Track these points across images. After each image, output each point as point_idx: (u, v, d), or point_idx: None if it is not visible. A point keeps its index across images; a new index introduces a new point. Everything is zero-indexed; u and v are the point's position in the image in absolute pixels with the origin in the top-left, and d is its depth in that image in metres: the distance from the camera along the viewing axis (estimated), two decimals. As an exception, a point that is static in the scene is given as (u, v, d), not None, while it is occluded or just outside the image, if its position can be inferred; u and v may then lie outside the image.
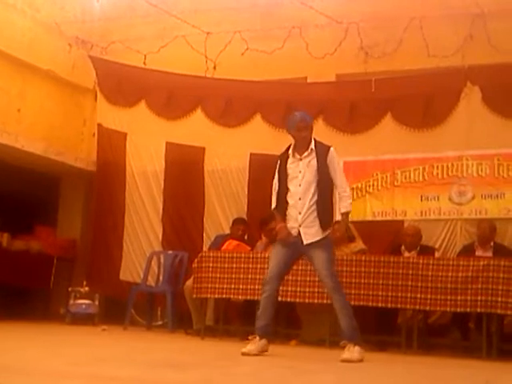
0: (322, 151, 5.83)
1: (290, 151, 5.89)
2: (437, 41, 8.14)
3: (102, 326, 8.07)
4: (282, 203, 5.83)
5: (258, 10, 8.96)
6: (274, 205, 5.92)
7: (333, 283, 5.75)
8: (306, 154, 5.83)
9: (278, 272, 5.90)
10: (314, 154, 5.82)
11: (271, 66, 8.79)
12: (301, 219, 5.76)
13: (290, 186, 5.80)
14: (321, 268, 5.77)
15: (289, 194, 5.80)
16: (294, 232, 5.78)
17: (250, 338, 5.88)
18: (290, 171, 5.81)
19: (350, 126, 8.36)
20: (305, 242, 5.76)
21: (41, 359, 4.96)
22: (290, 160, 5.85)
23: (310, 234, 5.75)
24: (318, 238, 5.74)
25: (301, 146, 5.86)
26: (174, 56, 9.12)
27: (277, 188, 5.88)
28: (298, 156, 5.85)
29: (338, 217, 6.13)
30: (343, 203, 5.84)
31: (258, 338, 5.82)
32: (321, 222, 5.74)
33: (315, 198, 5.75)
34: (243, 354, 5.68)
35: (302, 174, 5.79)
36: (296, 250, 5.85)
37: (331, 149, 5.88)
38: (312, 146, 5.86)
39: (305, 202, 5.75)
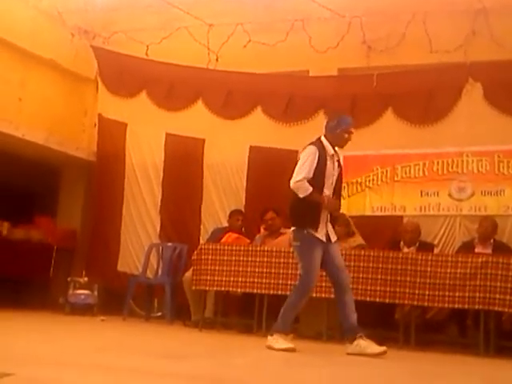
0: (340, 161, 5.97)
1: (328, 149, 5.84)
2: (439, 36, 8.13)
3: (100, 316, 8.08)
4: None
5: (261, 2, 8.92)
6: (310, 189, 5.71)
7: (349, 277, 5.95)
8: (336, 157, 5.90)
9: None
10: (337, 161, 5.90)
11: (273, 59, 8.78)
12: (329, 217, 5.85)
13: (326, 185, 5.80)
14: (342, 262, 5.91)
15: (324, 194, 5.78)
16: (324, 229, 5.79)
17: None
18: (327, 170, 5.79)
19: (351, 120, 8.34)
20: (333, 240, 5.85)
21: (39, 348, 4.98)
22: (328, 158, 5.82)
23: (333, 231, 5.89)
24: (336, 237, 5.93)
25: (334, 148, 5.88)
26: (177, 47, 9.11)
27: (309, 177, 5.73)
28: (334, 157, 5.87)
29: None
30: None
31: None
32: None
33: None
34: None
35: (334, 178, 5.86)
36: (322, 248, 5.83)
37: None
38: (339, 151, 5.95)
39: None
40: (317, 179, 5.74)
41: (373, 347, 5.64)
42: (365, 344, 5.66)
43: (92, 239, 9.42)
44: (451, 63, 8.05)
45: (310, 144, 5.87)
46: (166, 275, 8.59)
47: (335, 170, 5.86)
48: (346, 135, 5.89)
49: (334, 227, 5.94)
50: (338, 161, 5.92)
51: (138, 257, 9.02)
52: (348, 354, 5.69)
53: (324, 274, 6.85)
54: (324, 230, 5.79)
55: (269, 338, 5.81)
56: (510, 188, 7.62)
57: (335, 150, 5.90)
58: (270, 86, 8.82)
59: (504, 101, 7.77)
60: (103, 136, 9.55)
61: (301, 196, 5.74)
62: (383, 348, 5.63)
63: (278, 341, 5.72)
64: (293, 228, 5.91)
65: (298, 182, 5.75)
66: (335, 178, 5.87)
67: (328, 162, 5.79)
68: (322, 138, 5.90)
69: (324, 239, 5.78)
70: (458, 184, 7.82)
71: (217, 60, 9.08)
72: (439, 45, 8.07)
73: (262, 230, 8.15)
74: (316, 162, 5.74)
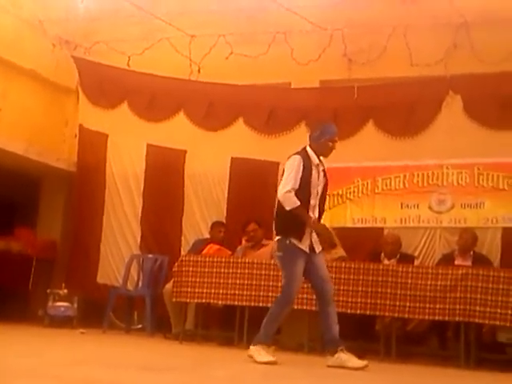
0: (325, 171, 5.94)
1: (313, 158, 5.83)
2: (420, 49, 8.19)
3: (80, 329, 8.01)
4: (305, 206, 5.72)
5: (243, 14, 8.95)
6: (297, 203, 5.67)
7: (333, 289, 5.94)
8: (321, 167, 5.88)
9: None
10: (322, 171, 5.89)
11: (255, 71, 8.80)
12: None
13: (312, 195, 5.77)
14: (326, 273, 5.89)
15: (309, 205, 5.75)
16: (308, 240, 5.76)
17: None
18: (313, 180, 5.77)
19: (332, 133, 8.36)
20: (317, 250, 5.83)
21: (16, 361, 4.92)
22: (313, 167, 5.79)
23: (317, 242, 5.85)
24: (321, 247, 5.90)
25: (319, 158, 5.87)
26: (158, 58, 9.10)
27: (296, 187, 5.70)
28: (319, 167, 5.85)
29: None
30: None
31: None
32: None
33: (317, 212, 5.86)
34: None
35: (320, 187, 5.84)
36: (305, 258, 5.79)
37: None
38: (323, 161, 5.93)
39: (316, 214, 5.84)
40: (303, 189, 5.72)
41: (354, 361, 5.62)
42: (345, 357, 5.65)
43: (72, 250, 9.36)
44: (432, 76, 8.11)
45: (295, 154, 5.86)
46: (146, 287, 8.54)
47: (320, 179, 5.85)
48: (331, 144, 5.89)
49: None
50: (324, 171, 5.91)
51: (118, 268, 8.97)
52: (328, 366, 5.68)
53: (306, 285, 6.87)
54: (308, 241, 5.76)
55: (251, 347, 5.78)
56: (489, 200, 7.67)
57: (320, 160, 5.89)
58: (251, 98, 8.83)
59: (484, 114, 7.84)
60: (84, 147, 9.51)
61: (287, 208, 5.71)
62: (364, 362, 5.61)
63: (260, 353, 5.69)
64: (277, 237, 5.87)
65: (285, 193, 5.71)
66: (320, 188, 5.86)
67: (313, 172, 5.78)
68: (307, 148, 5.89)
69: (307, 250, 5.76)
70: (438, 196, 7.87)
71: (199, 71, 9.08)
72: (420, 58, 8.13)
73: (243, 241, 8.13)
74: (301, 171, 5.73)
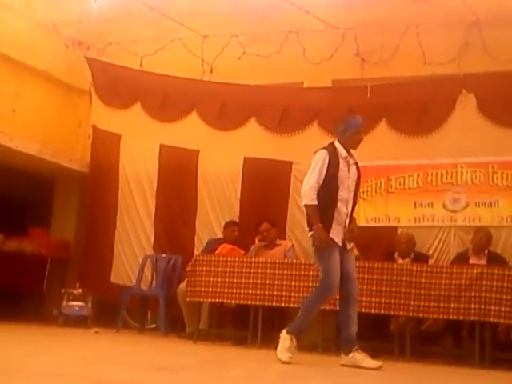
0: (358, 163, 5.90)
1: (341, 151, 5.78)
2: (433, 48, 8.16)
3: (94, 328, 8.03)
4: (331, 203, 5.68)
5: (256, 14, 8.96)
6: (315, 202, 5.67)
7: (357, 288, 5.90)
8: (352, 161, 5.84)
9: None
10: (355, 165, 5.86)
11: (268, 71, 8.79)
12: (347, 223, 5.78)
13: (340, 188, 5.71)
14: (352, 272, 5.84)
15: (339, 197, 5.71)
16: (341, 234, 5.73)
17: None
18: (340, 173, 5.73)
19: (345, 132, 8.34)
20: (348, 247, 5.81)
21: (31, 361, 4.94)
22: (340, 161, 5.75)
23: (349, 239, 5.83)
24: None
25: (349, 151, 5.83)
26: (171, 59, 9.12)
27: (320, 182, 5.68)
28: (348, 160, 5.81)
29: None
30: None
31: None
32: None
33: (351, 205, 5.82)
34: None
35: (351, 181, 5.79)
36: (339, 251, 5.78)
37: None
38: (355, 155, 5.88)
39: (349, 209, 5.79)
40: (329, 183, 5.68)
41: (368, 361, 5.60)
42: (360, 357, 5.64)
43: (85, 250, 9.39)
44: (445, 75, 8.08)
45: (322, 148, 5.84)
46: (160, 287, 8.55)
47: (351, 172, 5.79)
48: (357, 136, 5.85)
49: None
50: (356, 164, 5.86)
51: (132, 268, 8.98)
52: (342, 365, 5.67)
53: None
54: (340, 236, 5.72)
55: (283, 332, 5.72)
56: (503, 199, 7.63)
57: (350, 153, 5.83)
58: (264, 98, 8.83)
59: (497, 112, 7.79)
60: (97, 147, 9.54)
61: (303, 202, 5.76)
62: (379, 363, 5.57)
63: (284, 345, 5.63)
64: (310, 233, 5.82)
65: (308, 189, 5.70)
66: (352, 181, 5.79)
67: (341, 165, 5.74)
68: (336, 142, 5.86)
69: (340, 244, 5.72)
70: (453, 195, 7.83)
71: (211, 71, 9.09)
72: (433, 56, 8.10)
73: (256, 241, 8.14)
74: (326, 165, 5.70)
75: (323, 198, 5.69)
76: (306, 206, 5.75)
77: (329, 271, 5.68)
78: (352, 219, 5.89)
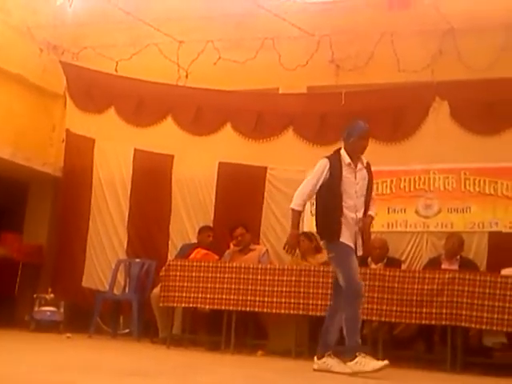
0: (369, 166, 5.88)
1: (345, 158, 5.76)
2: (407, 56, 8.23)
3: (66, 333, 7.97)
4: (336, 210, 5.65)
5: (232, 19, 8.98)
6: (300, 208, 5.72)
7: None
8: (360, 166, 5.80)
9: None
10: (364, 169, 5.83)
11: (243, 76, 8.81)
12: (357, 229, 5.74)
13: (345, 196, 5.69)
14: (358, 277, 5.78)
15: (344, 204, 5.69)
16: (352, 240, 5.70)
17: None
18: (344, 180, 5.70)
19: (319, 138, 8.39)
20: (359, 254, 5.78)
21: (1, 366, 4.88)
22: (344, 168, 5.73)
23: (360, 245, 5.80)
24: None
25: (355, 157, 5.79)
26: (146, 64, 9.10)
27: (315, 190, 5.70)
28: (353, 166, 5.77)
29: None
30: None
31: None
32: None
33: (362, 212, 5.78)
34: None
35: (359, 186, 5.76)
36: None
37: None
38: (364, 159, 5.85)
39: (360, 215, 5.74)
40: (332, 190, 5.66)
41: (341, 366, 5.60)
42: (332, 362, 5.64)
43: (58, 255, 9.32)
44: (419, 82, 8.15)
45: (325, 156, 5.83)
46: (133, 292, 8.51)
47: (359, 178, 5.76)
48: (361, 141, 5.81)
49: (362, 241, 5.82)
50: (366, 168, 5.82)
51: (104, 273, 8.93)
52: (314, 370, 5.67)
53: (293, 289, 6.87)
54: (352, 242, 5.69)
55: (348, 364, 5.52)
56: (475, 205, 7.72)
57: (356, 159, 5.78)
58: (239, 103, 8.84)
59: (470, 119, 7.88)
60: (70, 151, 9.48)
61: (291, 205, 5.75)
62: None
63: (363, 363, 5.48)
64: (322, 241, 5.84)
65: (298, 194, 5.73)
66: (360, 186, 5.75)
67: (344, 172, 5.70)
68: (341, 150, 5.84)
69: (353, 247, 5.71)
70: (425, 201, 7.90)
71: (186, 77, 9.09)
72: (407, 64, 8.17)
73: (231, 245, 8.13)
74: (326, 173, 5.68)
75: (327, 205, 5.70)
76: (291, 209, 5.75)
77: (349, 275, 5.61)
78: (363, 223, 5.79)
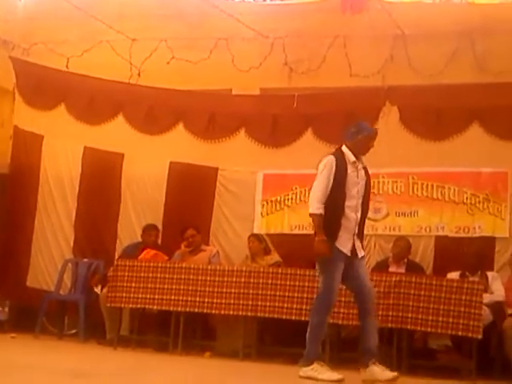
0: (366, 168, 5.78)
1: (349, 156, 5.64)
2: (359, 60, 8.29)
3: (11, 333, 7.83)
4: (338, 210, 5.52)
5: (185, 19, 8.92)
6: (319, 211, 5.50)
7: (371, 297, 5.73)
8: (361, 165, 5.69)
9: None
10: (363, 169, 5.72)
11: (196, 76, 8.77)
12: (357, 231, 5.63)
13: (348, 195, 5.56)
14: (365, 280, 5.71)
15: (347, 203, 5.56)
16: (350, 243, 5.58)
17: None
18: (348, 179, 5.57)
19: (271, 140, 8.41)
20: (359, 255, 5.65)
21: None
22: (348, 166, 5.60)
23: (360, 246, 5.70)
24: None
25: (358, 157, 5.67)
26: (98, 61, 8.98)
27: (328, 192, 5.51)
28: (357, 165, 5.65)
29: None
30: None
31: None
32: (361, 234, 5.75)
33: (360, 211, 5.67)
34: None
35: (360, 186, 5.64)
36: (345, 262, 5.61)
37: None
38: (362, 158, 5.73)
39: (359, 215, 5.63)
40: (336, 189, 5.52)
41: (386, 373, 5.53)
42: (377, 370, 5.54)
43: (2, 254, 9.13)
44: (370, 87, 8.23)
45: (329, 154, 5.70)
46: (80, 292, 8.40)
47: (360, 177, 5.65)
48: (369, 141, 5.66)
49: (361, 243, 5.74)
50: (365, 168, 5.71)
51: (50, 272, 8.79)
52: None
53: (242, 291, 6.88)
54: (349, 245, 5.57)
55: (303, 369, 5.48)
56: (423, 209, 7.83)
57: (358, 158, 5.68)
58: (192, 103, 8.80)
59: (419, 125, 7.99)
60: (18, 148, 9.29)
61: (309, 211, 5.59)
62: (395, 374, 5.53)
63: (319, 370, 5.45)
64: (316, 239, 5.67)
65: (314, 197, 5.55)
66: (361, 186, 5.64)
67: (349, 170, 5.59)
68: (343, 147, 5.71)
69: (349, 253, 5.56)
70: (374, 204, 7.95)
71: (139, 75, 9.00)
72: (359, 68, 8.24)
73: (182, 246, 8.09)
74: (333, 172, 5.54)
75: (329, 205, 5.53)
76: (310, 215, 5.59)
77: (330, 285, 5.53)
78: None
